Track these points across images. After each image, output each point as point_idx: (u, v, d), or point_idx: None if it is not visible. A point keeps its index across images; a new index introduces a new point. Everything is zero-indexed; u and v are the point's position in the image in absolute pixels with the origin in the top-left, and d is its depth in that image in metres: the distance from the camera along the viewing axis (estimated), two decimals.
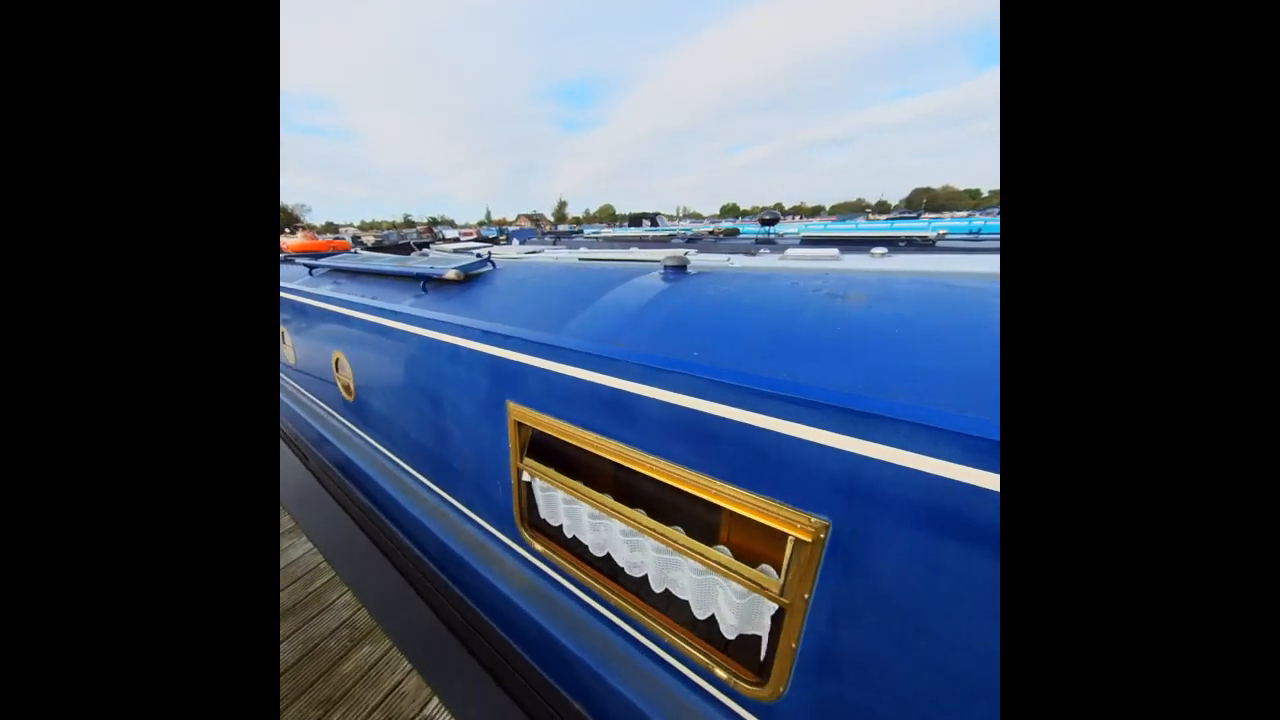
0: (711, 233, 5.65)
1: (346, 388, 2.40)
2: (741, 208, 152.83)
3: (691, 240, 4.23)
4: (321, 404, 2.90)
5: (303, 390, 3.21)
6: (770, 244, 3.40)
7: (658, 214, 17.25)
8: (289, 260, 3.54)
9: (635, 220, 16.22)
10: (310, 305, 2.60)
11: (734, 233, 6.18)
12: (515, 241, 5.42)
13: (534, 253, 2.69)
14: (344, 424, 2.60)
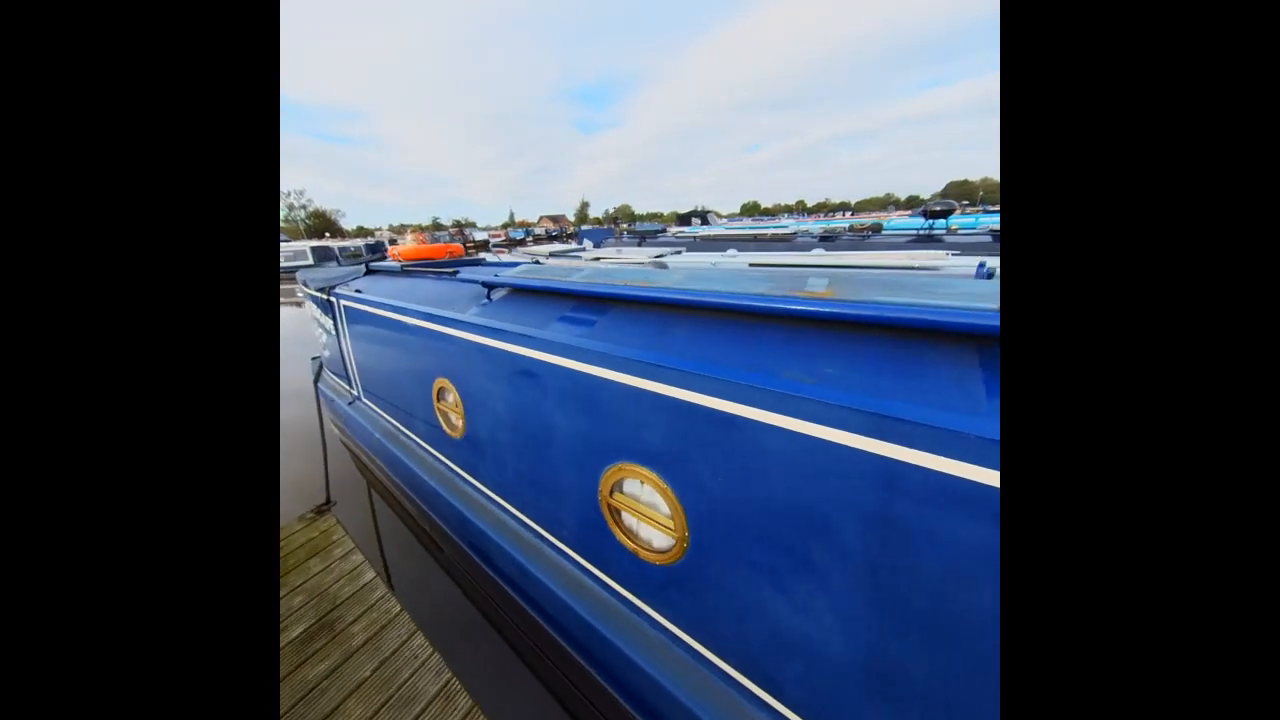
0: (853, 229, 5.07)
1: (625, 529, 1.31)
2: (763, 206, 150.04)
3: (825, 238, 3.63)
4: (518, 513, 1.75)
5: (457, 470, 2.11)
6: (936, 241, 2.79)
7: (708, 211, 16.31)
8: (415, 272, 2.85)
9: (684, 219, 15.36)
10: (538, 361, 1.40)
11: (878, 228, 5.53)
12: (587, 243, 5.01)
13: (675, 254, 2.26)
14: (598, 584, 1.45)
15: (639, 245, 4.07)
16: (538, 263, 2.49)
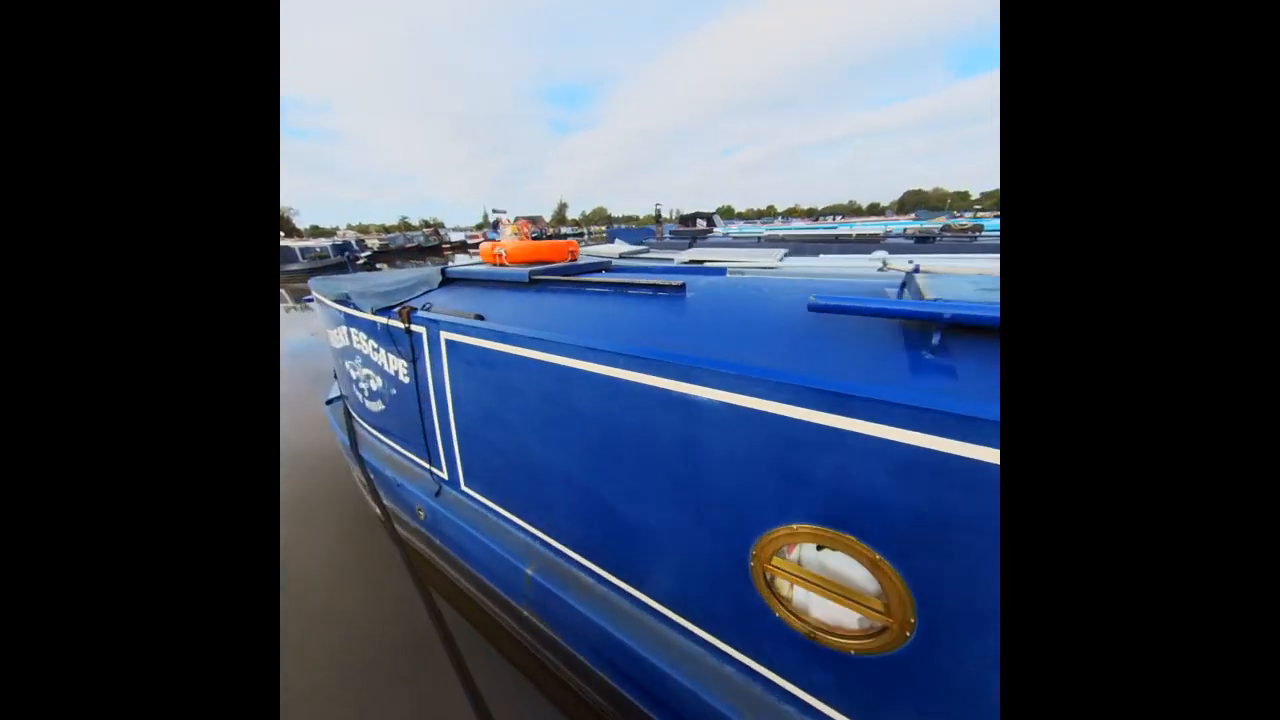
0: (948, 229, 4.50)
1: None
2: (736, 210, 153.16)
3: (921, 239, 3.05)
4: None
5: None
6: None
7: (713, 214, 15.48)
8: (558, 284, 1.74)
9: (687, 220, 14.54)
10: None
11: (978, 229, 5.02)
12: (618, 241, 4.21)
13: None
14: None
15: (690, 246, 3.29)
16: (908, 268, 1.35)
